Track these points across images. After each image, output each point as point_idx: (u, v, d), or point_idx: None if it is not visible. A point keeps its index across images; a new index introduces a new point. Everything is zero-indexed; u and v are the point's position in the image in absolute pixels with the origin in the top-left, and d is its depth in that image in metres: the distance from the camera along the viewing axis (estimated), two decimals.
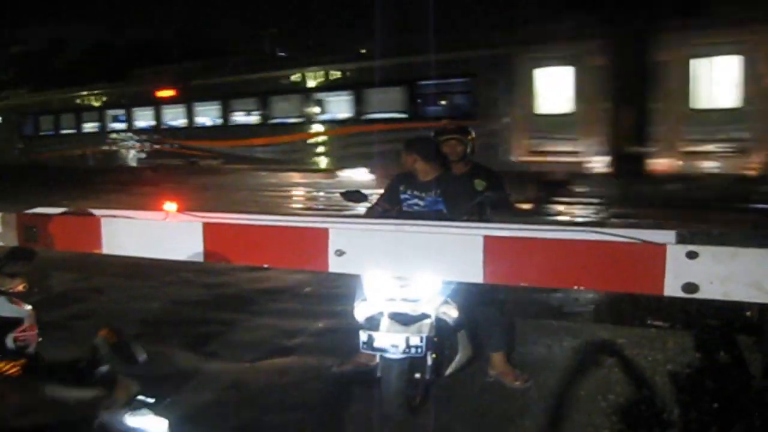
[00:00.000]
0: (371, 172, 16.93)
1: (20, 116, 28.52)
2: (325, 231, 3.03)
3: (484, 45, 15.16)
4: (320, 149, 18.41)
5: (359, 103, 17.52)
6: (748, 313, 5.39)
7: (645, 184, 13.41)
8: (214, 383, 4.69)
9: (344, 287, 5.07)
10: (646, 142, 13.42)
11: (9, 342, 2.47)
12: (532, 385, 4.67)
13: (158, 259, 3.69)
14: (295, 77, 18.73)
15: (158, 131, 22.75)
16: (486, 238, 2.74)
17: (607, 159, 13.74)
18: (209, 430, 2.75)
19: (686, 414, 4.24)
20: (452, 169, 4.97)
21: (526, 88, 14.61)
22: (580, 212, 13.22)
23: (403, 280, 3.96)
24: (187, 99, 21.45)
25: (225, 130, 20.63)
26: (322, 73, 18.25)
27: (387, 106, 16.98)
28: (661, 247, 2.52)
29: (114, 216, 3.84)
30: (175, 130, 22.18)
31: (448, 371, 4.47)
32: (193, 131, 21.50)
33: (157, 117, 22.68)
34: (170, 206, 3.84)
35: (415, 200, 4.67)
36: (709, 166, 12.77)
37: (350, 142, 17.63)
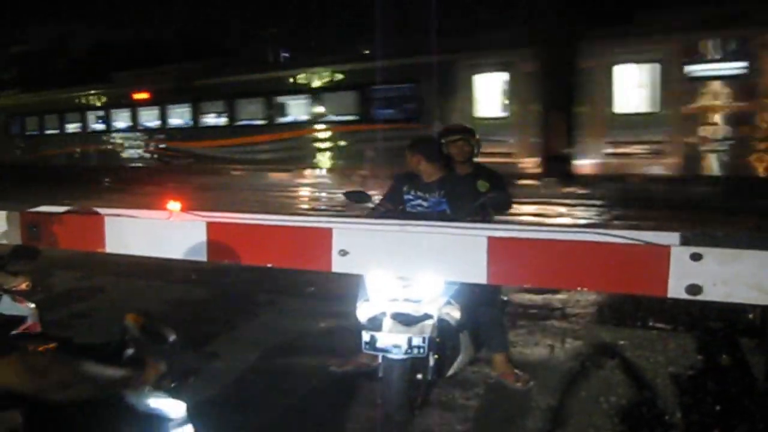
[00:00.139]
0: (328, 171, 18.33)
1: (8, 117, 29.26)
2: (329, 231, 3.03)
3: (427, 52, 15.85)
4: (282, 150, 19.32)
5: (317, 107, 18.62)
6: (751, 316, 5.39)
7: (572, 184, 14.43)
8: (215, 382, 4.69)
9: (346, 288, 5.07)
10: (574, 144, 14.35)
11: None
12: (533, 386, 4.67)
13: (161, 258, 3.70)
14: (259, 82, 19.70)
15: (136, 132, 23.75)
16: (490, 239, 2.75)
17: (538, 160, 14.69)
18: (210, 429, 2.75)
19: (688, 416, 4.24)
20: (455, 170, 4.97)
21: (466, 93, 15.60)
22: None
23: (406, 280, 3.97)
24: (162, 101, 22.52)
25: (195, 132, 21.69)
26: (283, 78, 19.30)
27: (342, 110, 18.05)
28: (665, 249, 2.52)
29: (118, 215, 3.85)
30: (151, 131, 23.19)
31: (450, 372, 4.47)
32: (167, 132, 22.61)
33: (135, 118, 23.67)
34: (174, 205, 3.85)
35: (419, 201, 4.68)
36: (629, 166, 13.73)
37: (309, 143, 18.70)
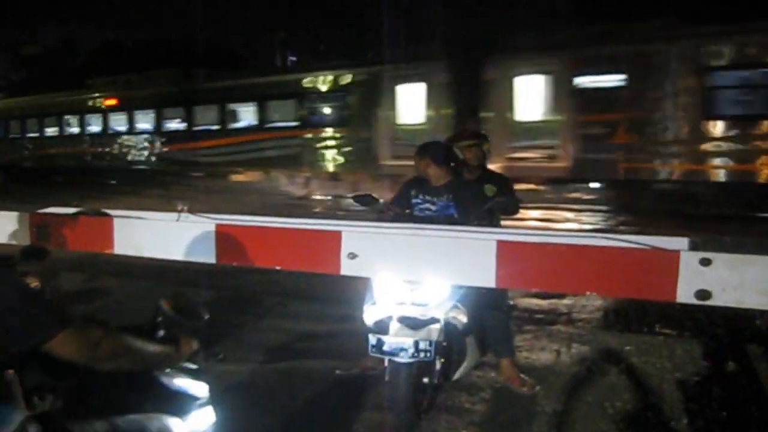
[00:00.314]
0: (274, 172, 20.07)
1: None
2: (338, 234, 3.03)
3: (357, 65, 18.09)
4: (234, 153, 20.84)
5: (264, 113, 20.18)
6: (758, 322, 5.39)
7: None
8: (220, 384, 4.69)
9: (352, 291, 5.08)
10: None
11: None
12: (539, 390, 4.67)
13: (168, 260, 3.70)
14: (213, 90, 21.53)
15: (107, 135, 25.25)
16: (499, 242, 2.75)
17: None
18: (213, 431, 2.77)
19: (694, 422, 4.24)
20: (463, 174, 4.99)
21: (389, 101, 16.99)
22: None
23: (413, 284, 3.97)
24: (129, 107, 24.26)
25: (158, 136, 23.35)
26: (235, 87, 21.03)
27: (285, 116, 19.63)
28: (675, 254, 2.52)
29: (127, 216, 3.86)
30: (120, 135, 24.74)
31: (456, 376, 4.46)
32: (135, 136, 24.20)
33: (105, 123, 25.20)
34: (183, 207, 3.86)
35: (427, 205, 4.68)
36: (528, 169, 14.76)
37: (257, 147, 20.11)
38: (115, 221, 3.73)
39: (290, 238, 3.29)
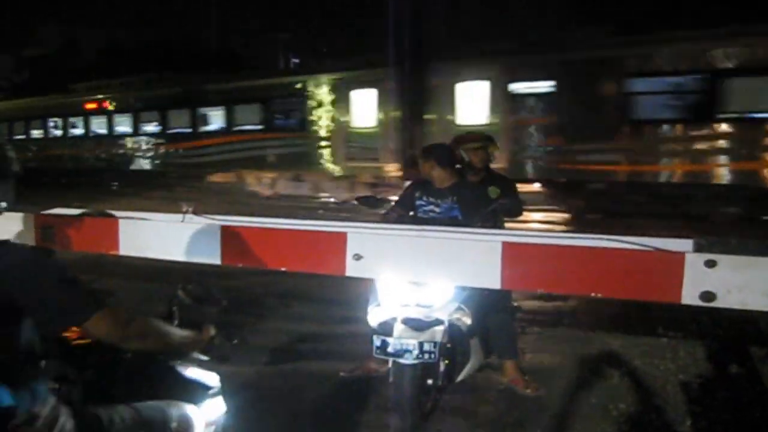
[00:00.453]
0: (238, 173, 20.84)
1: None
2: (343, 235, 3.03)
3: (315, 71, 19.25)
4: (205, 155, 21.70)
5: (231, 117, 21.01)
6: (761, 324, 5.39)
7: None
8: (224, 386, 4.70)
9: (355, 293, 5.09)
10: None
11: None
12: (543, 392, 4.67)
13: (174, 261, 3.71)
14: (184, 94, 22.20)
15: (88, 138, 26.13)
16: (504, 244, 2.75)
17: (399, 165, 16.66)
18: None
19: (697, 424, 4.24)
20: (467, 176, 5.00)
21: (344, 106, 17.88)
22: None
23: (417, 285, 3.98)
24: (107, 110, 25.07)
25: (135, 139, 24.23)
26: (205, 92, 21.82)
27: (250, 120, 20.36)
28: (680, 256, 2.52)
29: (132, 217, 3.86)
30: (100, 137, 25.63)
31: (460, 377, 4.47)
32: (112, 139, 25.10)
33: (87, 125, 26.08)
34: (187, 208, 3.86)
35: (431, 206, 4.70)
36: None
37: (226, 149, 21.00)
38: (120, 222, 3.73)
39: (295, 239, 3.29)
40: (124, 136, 24.47)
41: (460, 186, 4.73)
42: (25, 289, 1.86)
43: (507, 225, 5.02)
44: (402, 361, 3.86)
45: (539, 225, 13.20)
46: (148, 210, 4.26)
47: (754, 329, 5.72)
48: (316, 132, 18.34)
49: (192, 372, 2.59)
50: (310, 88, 18.55)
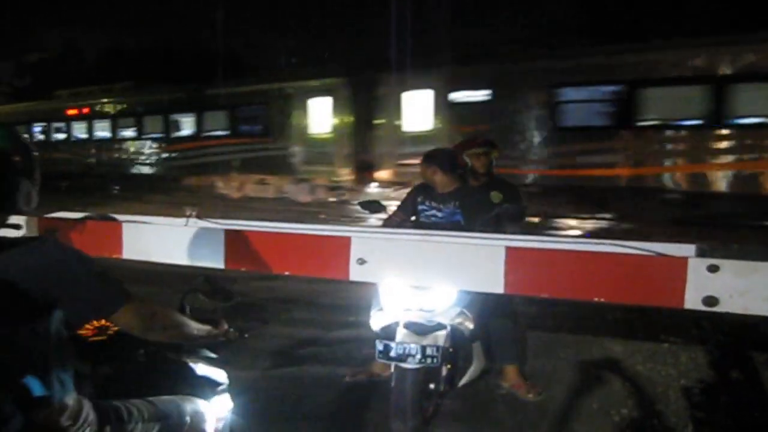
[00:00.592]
0: (208, 177, 21.76)
1: None
2: (347, 239, 3.04)
3: (276, 80, 20.22)
4: (177, 159, 22.95)
5: (201, 124, 22.15)
6: (762, 329, 5.40)
7: (374, 190, 17.62)
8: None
9: (357, 297, 5.10)
10: (377, 157, 17.63)
11: None
12: (544, 397, 4.68)
13: (177, 265, 3.72)
14: (156, 101, 23.48)
15: (69, 143, 27.25)
16: (508, 248, 2.76)
17: (351, 169, 18.09)
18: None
19: (699, 429, 4.25)
20: (469, 181, 5.01)
21: (302, 113, 18.98)
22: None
23: (420, 290, 3.99)
24: (87, 116, 26.19)
25: (112, 143, 25.40)
26: (177, 99, 22.81)
27: (218, 126, 21.53)
28: (683, 261, 2.53)
29: (135, 221, 3.87)
30: (81, 142, 26.72)
31: (462, 382, 4.48)
32: (91, 144, 26.19)
33: (69, 131, 27.18)
34: (191, 212, 3.88)
35: (433, 211, 4.71)
36: (413, 175, 15.68)
37: (197, 154, 22.12)
38: (124, 226, 3.75)
39: (299, 243, 3.30)
40: (102, 141, 25.63)
41: (463, 191, 4.73)
42: (60, 283, 1.93)
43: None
44: (404, 365, 3.86)
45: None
46: (125, 212, 4.32)
47: (756, 334, 5.72)
48: (278, 138, 19.46)
49: (202, 368, 2.70)
50: (273, 96, 19.70)
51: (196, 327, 2.37)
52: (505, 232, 4.26)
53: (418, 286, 3.86)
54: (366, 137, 17.69)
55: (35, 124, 28.33)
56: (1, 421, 1.74)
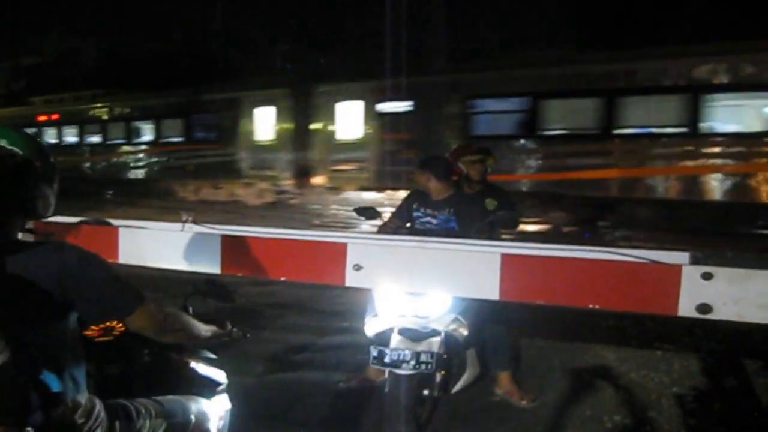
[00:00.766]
0: (166, 181, 22.89)
1: None
2: (344, 246, 3.05)
3: (225, 90, 21.41)
4: (137, 164, 24.16)
5: (159, 130, 23.26)
6: (755, 336, 5.43)
7: (313, 194, 19.31)
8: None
9: (352, 303, 5.11)
10: (314, 162, 18.86)
11: None
12: (537, 404, 4.69)
13: (172, 270, 3.72)
14: (118, 109, 24.75)
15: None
16: (503, 255, 2.78)
17: (291, 174, 19.41)
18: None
19: None
20: (464, 188, 5.03)
21: (249, 122, 20.19)
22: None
23: (415, 296, 4.00)
24: (57, 123, 27.18)
25: (79, 148, 26.24)
26: (137, 106, 24.21)
27: (175, 133, 22.64)
28: (677, 268, 2.55)
29: (131, 226, 3.87)
30: (50, 148, 26.89)
31: (456, 388, 4.48)
32: (59, 149, 26.30)
33: (40, 136, 27.72)
34: (187, 217, 3.87)
35: (428, 218, 4.72)
36: (344, 180, 18.31)
37: (156, 159, 23.53)
38: (120, 231, 3.74)
39: (296, 249, 3.30)
40: (70, 146, 26.36)
41: (457, 198, 4.75)
42: (78, 285, 1.99)
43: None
44: (399, 371, 3.87)
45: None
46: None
47: (748, 342, 5.75)
48: (229, 145, 20.64)
49: (202, 369, 2.80)
50: (224, 105, 20.97)
51: (204, 328, 2.45)
52: (499, 239, 4.28)
53: (413, 292, 3.87)
54: (305, 144, 18.87)
55: None
56: (28, 413, 1.81)
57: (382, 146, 17.19)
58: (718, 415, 4.55)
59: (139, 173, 24.05)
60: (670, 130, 13.19)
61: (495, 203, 4.97)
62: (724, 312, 2.51)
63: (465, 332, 4.19)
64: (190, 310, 2.75)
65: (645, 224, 13.23)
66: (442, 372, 4.16)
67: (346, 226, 14.79)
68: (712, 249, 3.26)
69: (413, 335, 4.00)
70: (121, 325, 2.47)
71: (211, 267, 3.43)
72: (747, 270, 2.49)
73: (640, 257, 2.85)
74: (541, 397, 4.79)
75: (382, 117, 17.16)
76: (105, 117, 25.13)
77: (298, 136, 19.03)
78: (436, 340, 4.00)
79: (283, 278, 3.42)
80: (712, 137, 12.82)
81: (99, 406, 2.11)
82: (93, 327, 2.51)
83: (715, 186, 12.91)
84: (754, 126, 12.53)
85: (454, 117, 15.80)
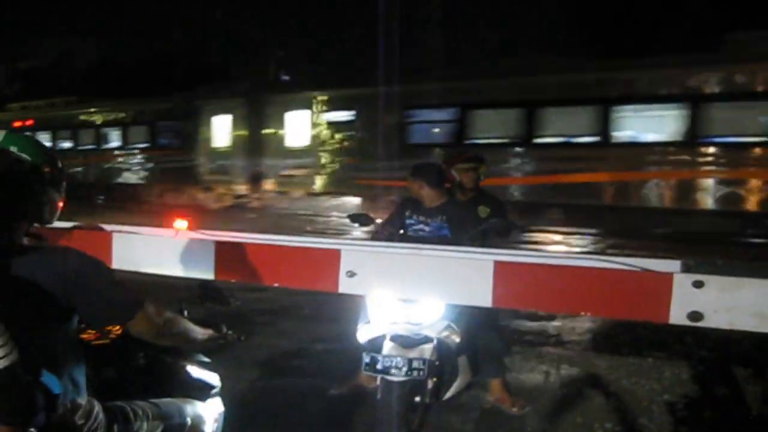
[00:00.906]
0: (132, 186, 24.15)
1: None
2: (337, 252, 3.06)
3: (185, 98, 22.16)
4: (106, 169, 25.36)
5: (126, 136, 24.56)
6: (746, 344, 5.45)
7: (263, 197, 20.92)
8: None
9: (344, 310, 5.11)
10: (266, 168, 20.08)
11: None
12: (529, 411, 4.70)
13: (165, 276, 3.71)
14: (91, 115, 25.83)
15: None
16: (496, 263, 2.79)
17: (245, 178, 20.65)
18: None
19: None
20: (457, 195, 5.05)
21: (208, 129, 21.42)
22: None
23: (407, 303, 4.01)
24: (31, 129, 27.26)
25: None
26: (107, 113, 25.30)
27: (141, 139, 23.95)
28: (668, 276, 2.56)
29: (125, 231, 3.86)
30: None
31: (447, 395, 4.47)
32: None
33: None
34: (180, 224, 3.87)
35: (421, 225, 4.73)
36: (293, 185, 19.65)
37: (124, 164, 24.63)
38: (114, 236, 3.74)
39: (289, 255, 3.31)
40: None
41: (450, 205, 4.76)
42: (80, 290, 2.03)
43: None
44: (390, 378, 3.88)
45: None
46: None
47: (739, 350, 5.78)
48: (190, 151, 21.77)
49: (197, 372, 2.85)
50: (185, 112, 21.92)
51: (200, 331, 2.50)
52: (492, 246, 4.28)
53: (407, 299, 3.88)
54: (258, 151, 20.04)
55: None
56: (34, 413, 1.83)
57: (328, 153, 18.42)
58: (708, 423, 4.57)
59: (109, 177, 25.13)
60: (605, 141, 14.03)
61: (488, 210, 4.98)
62: (715, 320, 2.53)
63: (457, 339, 4.20)
64: (185, 313, 2.78)
65: (629, 233, 13.51)
66: (434, 379, 4.17)
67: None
68: (703, 257, 3.27)
69: (406, 342, 4.01)
70: (117, 328, 2.55)
71: (205, 273, 3.43)
72: (738, 278, 2.51)
73: (631, 265, 2.86)
74: (533, 404, 4.80)
75: (328, 125, 18.39)
76: (77, 123, 26.24)
77: (252, 144, 20.20)
78: (429, 347, 4.01)
79: (276, 284, 3.42)
80: (703, 146, 13.07)
81: (98, 408, 2.14)
82: (90, 330, 2.55)
83: (707, 194, 13.14)
84: (746, 134, 12.71)
85: (390, 126, 16.73)
